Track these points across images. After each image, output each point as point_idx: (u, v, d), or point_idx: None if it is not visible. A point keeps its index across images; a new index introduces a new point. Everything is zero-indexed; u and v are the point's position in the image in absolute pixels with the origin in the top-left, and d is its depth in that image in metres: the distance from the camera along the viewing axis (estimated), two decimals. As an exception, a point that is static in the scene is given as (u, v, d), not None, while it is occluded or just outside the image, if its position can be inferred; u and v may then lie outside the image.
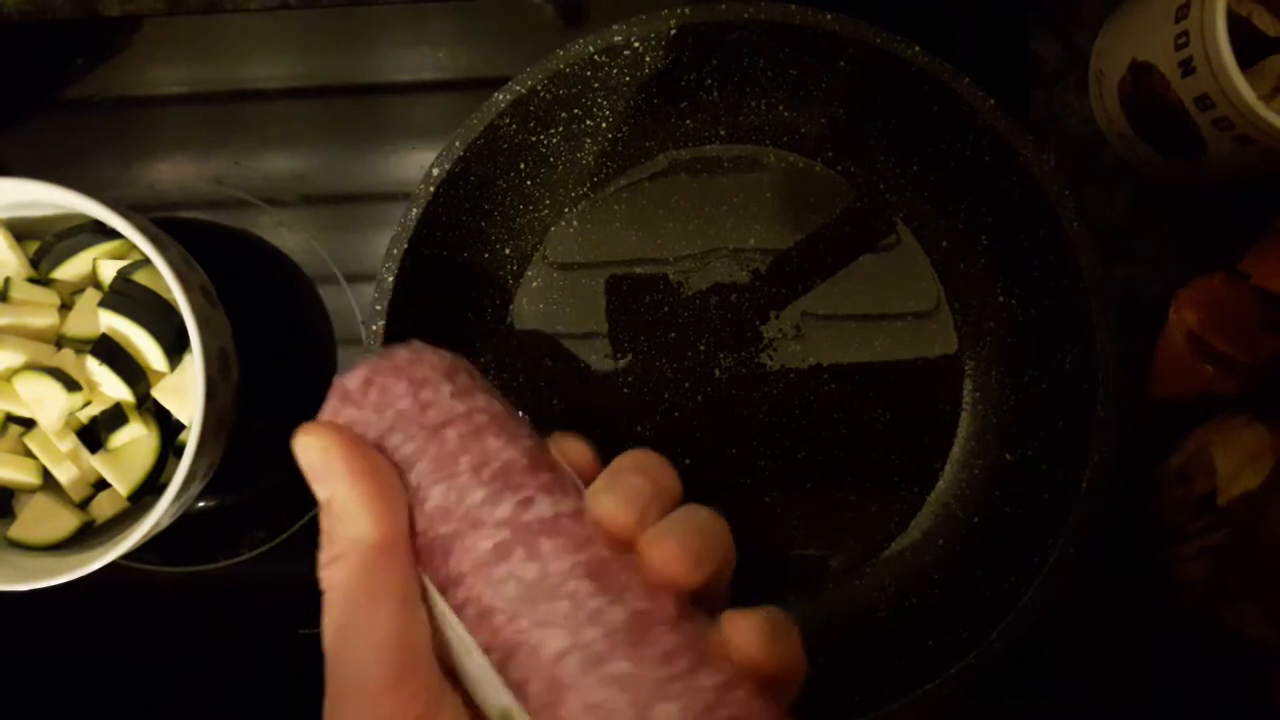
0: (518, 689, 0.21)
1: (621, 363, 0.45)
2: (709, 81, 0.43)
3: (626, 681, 0.20)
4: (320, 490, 0.22)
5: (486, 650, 0.21)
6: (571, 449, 0.25)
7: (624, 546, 0.22)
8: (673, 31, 0.40)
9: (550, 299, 0.45)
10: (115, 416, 0.41)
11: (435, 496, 0.22)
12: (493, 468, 0.23)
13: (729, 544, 0.23)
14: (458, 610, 0.22)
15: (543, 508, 0.22)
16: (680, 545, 0.22)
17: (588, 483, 0.24)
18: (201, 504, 0.47)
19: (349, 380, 0.24)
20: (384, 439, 0.23)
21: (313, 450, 0.22)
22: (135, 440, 0.42)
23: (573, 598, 0.21)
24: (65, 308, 0.42)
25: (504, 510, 0.22)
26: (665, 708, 0.19)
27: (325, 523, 0.22)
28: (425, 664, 0.21)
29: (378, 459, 0.22)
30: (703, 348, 0.45)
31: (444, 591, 0.22)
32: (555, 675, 0.20)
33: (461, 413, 0.24)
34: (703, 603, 0.23)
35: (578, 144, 0.44)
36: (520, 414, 0.25)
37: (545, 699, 0.20)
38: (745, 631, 0.21)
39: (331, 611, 0.22)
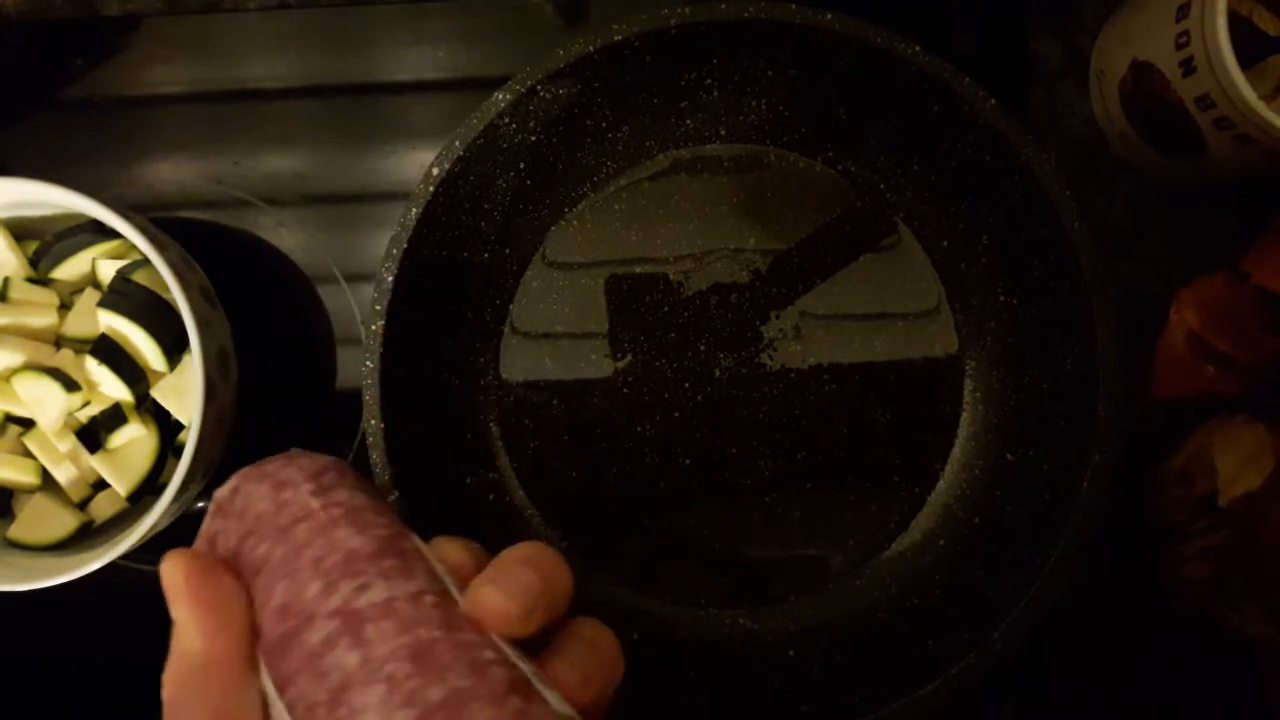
0: None
1: (621, 363, 0.45)
2: (709, 81, 0.43)
3: None
4: (172, 611, 0.24)
5: None
6: (450, 550, 0.25)
7: (460, 625, 0.22)
8: (673, 31, 0.40)
9: (550, 299, 0.45)
10: (114, 416, 0.41)
11: (278, 594, 0.23)
12: (334, 559, 0.23)
13: (620, 663, 0.24)
14: (290, 708, 0.22)
15: (376, 593, 0.22)
16: (573, 670, 0.22)
17: (465, 582, 0.24)
18: (201, 504, 0.47)
19: (221, 491, 0.25)
20: (242, 543, 0.24)
21: (166, 575, 0.24)
22: (134, 440, 0.42)
23: (390, 680, 0.20)
24: (64, 308, 0.42)
25: (337, 599, 0.22)
26: None
27: (171, 641, 0.24)
28: None
29: (221, 581, 0.24)
30: (703, 348, 0.45)
31: (281, 691, 0.22)
32: None
33: (315, 508, 0.24)
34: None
35: (578, 144, 0.44)
36: (389, 506, 0.25)
37: None
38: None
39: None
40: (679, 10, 0.39)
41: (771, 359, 0.45)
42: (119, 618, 0.47)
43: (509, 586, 0.22)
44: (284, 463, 0.25)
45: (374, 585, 0.22)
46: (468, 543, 0.25)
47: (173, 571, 0.24)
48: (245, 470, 0.26)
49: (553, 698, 0.21)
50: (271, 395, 0.47)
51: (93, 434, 0.42)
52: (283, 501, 0.24)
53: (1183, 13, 0.39)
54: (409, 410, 0.40)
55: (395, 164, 0.48)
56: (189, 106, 0.49)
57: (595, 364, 0.45)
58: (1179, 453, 0.42)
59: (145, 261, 0.41)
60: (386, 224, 0.42)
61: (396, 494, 0.39)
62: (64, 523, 0.41)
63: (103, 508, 0.42)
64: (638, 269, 0.45)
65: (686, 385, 0.45)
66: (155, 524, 0.38)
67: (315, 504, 0.24)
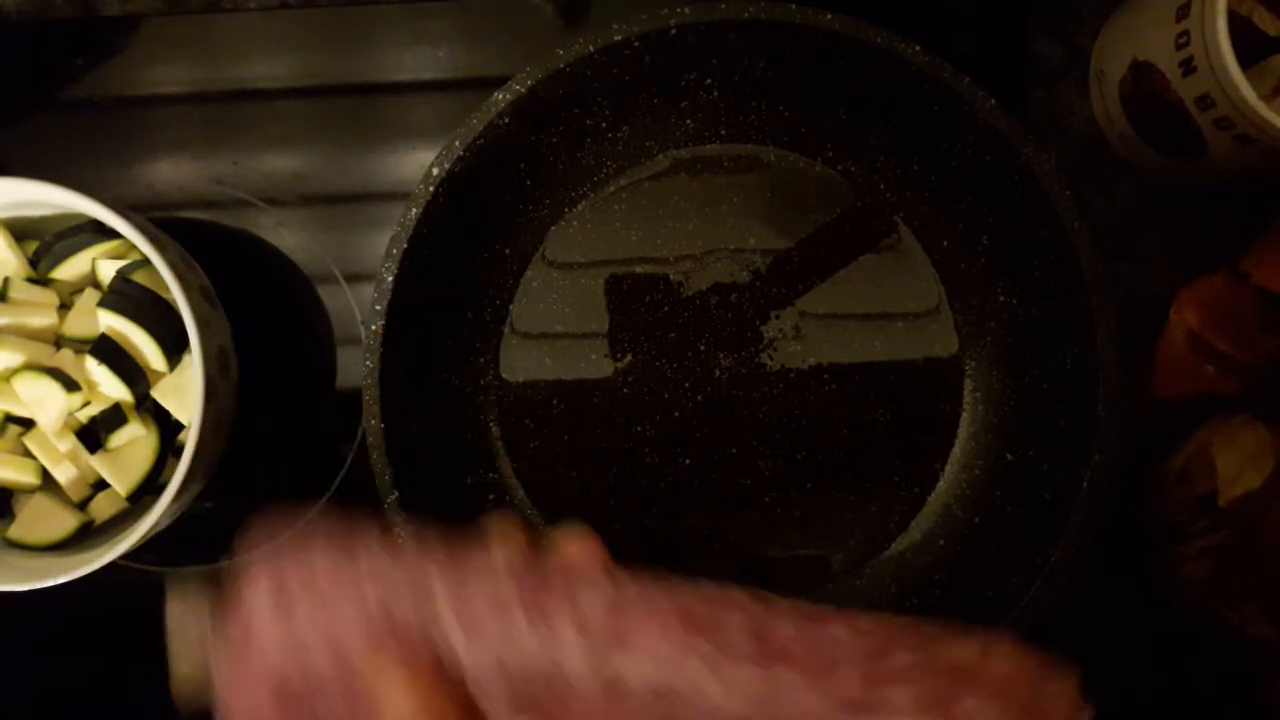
0: None
1: (621, 363, 0.45)
2: (709, 81, 0.43)
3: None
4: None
5: None
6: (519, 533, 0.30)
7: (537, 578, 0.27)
8: (673, 31, 0.40)
9: (550, 299, 0.45)
10: (114, 416, 0.41)
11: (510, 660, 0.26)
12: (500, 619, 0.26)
13: None
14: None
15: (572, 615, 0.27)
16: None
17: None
18: (208, 504, 0.47)
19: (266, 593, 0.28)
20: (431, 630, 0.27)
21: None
22: (134, 440, 0.42)
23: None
24: (64, 308, 0.42)
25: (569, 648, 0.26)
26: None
27: None
28: None
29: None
30: (703, 348, 0.45)
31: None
32: None
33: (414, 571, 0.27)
34: None
35: (578, 144, 0.44)
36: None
37: None
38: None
39: None
40: (679, 10, 0.39)
41: (771, 359, 0.45)
42: (119, 618, 0.47)
43: (575, 532, 0.29)
44: (299, 554, 0.28)
45: (556, 614, 0.27)
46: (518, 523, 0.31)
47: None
48: (263, 562, 0.28)
49: None
50: (271, 395, 0.47)
51: (93, 434, 0.42)
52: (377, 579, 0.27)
53: (1183, 13, 0.39)
54: (409, 410, 0.40)
55: (395, 164, 0.48)
56: (189, 106, 0.49)
57: (595, 364, 0.45)
58: (1179, 453, 0.42)
59: (145, 261, 0.41)
60: (386, 224, 0.42)
61: (396, 494, 0.39)
62: (64, 523, 0.41)
63: (103, 508, 0.42)
64: (638, 269, 0.45)
65: (686, 385, 0.45)
66: (155, 524, 0.38)
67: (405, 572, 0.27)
